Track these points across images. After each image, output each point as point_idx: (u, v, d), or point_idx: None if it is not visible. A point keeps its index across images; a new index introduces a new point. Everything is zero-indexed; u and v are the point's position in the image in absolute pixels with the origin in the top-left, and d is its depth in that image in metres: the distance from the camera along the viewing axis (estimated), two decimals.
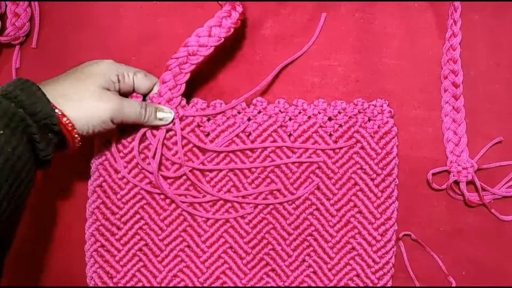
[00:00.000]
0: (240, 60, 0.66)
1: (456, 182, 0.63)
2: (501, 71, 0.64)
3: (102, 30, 0.66)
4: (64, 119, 0.53)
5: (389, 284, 0.62)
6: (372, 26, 0.65)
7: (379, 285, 0.62)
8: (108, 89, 0.57)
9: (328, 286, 0.62)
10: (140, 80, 0.60)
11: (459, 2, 0.63)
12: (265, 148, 0.62)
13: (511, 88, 0.64)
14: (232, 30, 0.59)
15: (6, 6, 0.65)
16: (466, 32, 0.64)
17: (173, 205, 0.62)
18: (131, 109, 0.58)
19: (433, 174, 0.63)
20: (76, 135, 0.54)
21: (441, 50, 0.64)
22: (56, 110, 0.52)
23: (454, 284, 0.64)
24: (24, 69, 0.67)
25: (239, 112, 0.62)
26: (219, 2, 0.61)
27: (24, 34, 0.66)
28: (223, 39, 0.59)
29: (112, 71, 0.58)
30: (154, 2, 0.66)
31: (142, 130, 0.61)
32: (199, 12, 0.65)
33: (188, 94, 0.66)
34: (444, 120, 0.64)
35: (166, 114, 0.60)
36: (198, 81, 0.66)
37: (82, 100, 0.54)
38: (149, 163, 0.61)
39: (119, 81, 0.58)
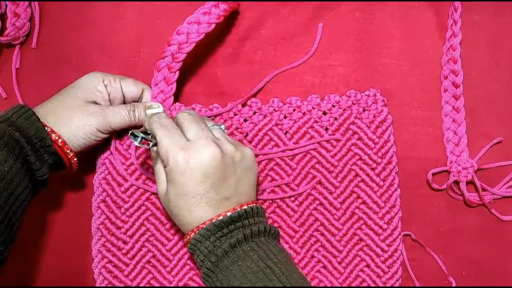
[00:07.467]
0: (240, 60, 0.66)
1: (456, 182, 0.63)
2: (501, 71, 0.64)
3: (102, 30, 0.66)
4: (54, 135, 0.55)
5: (399, 272, 0.62)
6: (372, 26, 0.65)
7: (389, 273, 0.62)
8: (95, 101, 0.58)
9: (340, 279, 0.62)
10: (128, 85, 0.60)
11: (459, 2, 0.63)
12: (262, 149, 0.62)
13: (511, 88, 0.64)
14: (222, 18, 0.60)
15: (6, 6, 0.65)
16: (466, 32, 0.64)
17: None
18: (116, 116, 0.58)
19: (433, 174, 0.63)
20: (69, 151, 0.57)
21: (441, 50, 0.64)
22: (46, 128, 0.55)
23: (454, 284, 0.64)
24: (24, 69, 0.67)
25: (235, 114, 0.63)
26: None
27: (24, 34, 0.66)
28: (213, 26, 0.59)
29: (97, 80, 0.59)
30: (154, 2, 0.66)
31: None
32: None
33: (189, 94, 0.66)
34: (444, 120, 0.64)
35: (155, 110, 0.60)
36: (199, 81, 0.66)
37: (68, 116, 0.56)
38: (151, 174, 0.61)
39: (106, 88, 0.59)
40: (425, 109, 0.64)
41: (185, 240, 0.54)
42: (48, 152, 0.55)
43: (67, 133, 0.56)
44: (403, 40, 0.65)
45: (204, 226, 0.51)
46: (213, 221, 0.51)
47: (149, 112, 0.59)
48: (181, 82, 0.66)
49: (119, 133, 0.61)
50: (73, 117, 0.56)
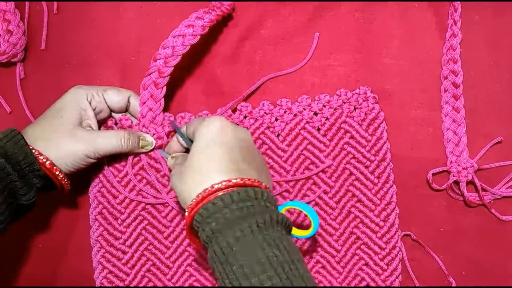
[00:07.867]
0: (240, 60, 0.66)
1: (456, 182, 0.63)
2: (501, 71, 0.64)
3: (102, 30, 0.66)
4: (41, 157, 0.55)
5: (398, 269, 0.62)
6: (372, 26, 0.65)
7: (388, 270, 0.62)
8: (82, 120, 0.58)
9: (339, 279, 0.62)
10: (111, 96, 0.60)
11: (459, 2, 0.63)
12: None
13: (511, 88, 0.64)
14: (207, 28, 0.59)
15: None
16: (466, 32, 0.64)
17: (175, 221, 0.62)
18: (107, 144, 0.58)
19: (433, 174, 0.63)
20: (58, 172, 0.56)
21: (441, 50, 0.64)
22: (34, 151, 0.54)
23: (454, 284, 0.64)
24: (24, 69, 0.67)
25: None
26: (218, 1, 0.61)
27: (21, 49, 0.65)
28: (198, 37, 0.59)
29: (80, 97, 0.58)
30: (154, 2, 0.66)
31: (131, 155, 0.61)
32: None
33: (189, 94, 0.66)
34: (444, 120, 0.64)
35: (147, 144, 0.60)
36: (199, 81, 0.66)
37: (56, 141, 0.56)
38: (145, 184, 0.61)
39: (90, 104, 0.58)
40: (425, 109, 0.64)
41: (198, 201, 0.49)
42: (37, 176, 0.55)
43: (55, 159, 0.56)
44: (403, 40, 0.65)
45: (236, 190, 0.48)
46: (243, 189, 0.48)
47: (140, 144, 0.60)
48: (181, 82, 0.66)
49: None
50: (61, 143, 0.56)
